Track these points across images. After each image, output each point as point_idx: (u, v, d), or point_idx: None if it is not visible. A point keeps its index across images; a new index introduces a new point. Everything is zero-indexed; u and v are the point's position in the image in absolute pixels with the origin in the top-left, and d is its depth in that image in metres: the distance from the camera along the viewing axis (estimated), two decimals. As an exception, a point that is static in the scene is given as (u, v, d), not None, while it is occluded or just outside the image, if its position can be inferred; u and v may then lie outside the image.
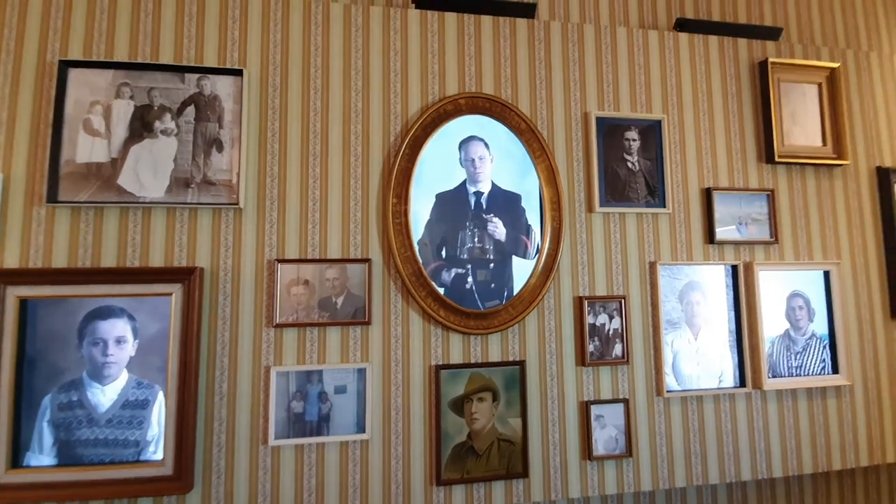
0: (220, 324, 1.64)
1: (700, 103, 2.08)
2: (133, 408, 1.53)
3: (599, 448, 1.81)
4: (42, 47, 1.64)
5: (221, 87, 1.71)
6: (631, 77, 2.04)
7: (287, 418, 1.62)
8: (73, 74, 1.62)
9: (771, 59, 2.11)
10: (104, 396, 1.51)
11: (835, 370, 2.03)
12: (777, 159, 2.06)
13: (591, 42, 2.03)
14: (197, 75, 1.70)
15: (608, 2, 2.24)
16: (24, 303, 1.50)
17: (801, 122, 2.14)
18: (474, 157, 1.86)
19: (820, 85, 2.18)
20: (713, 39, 2.14)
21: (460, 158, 1.85)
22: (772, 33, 2.21)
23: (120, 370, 1.53)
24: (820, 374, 2.03)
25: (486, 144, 1.87)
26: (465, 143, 1.86)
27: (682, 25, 2.15)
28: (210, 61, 1.73)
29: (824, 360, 2.04)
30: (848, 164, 2.15)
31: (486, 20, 1.94)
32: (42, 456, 1.47)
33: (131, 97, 1.66)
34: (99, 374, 1.52)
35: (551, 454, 1.79)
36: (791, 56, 2.19)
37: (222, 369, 1.62)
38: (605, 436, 1.82)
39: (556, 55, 1.99)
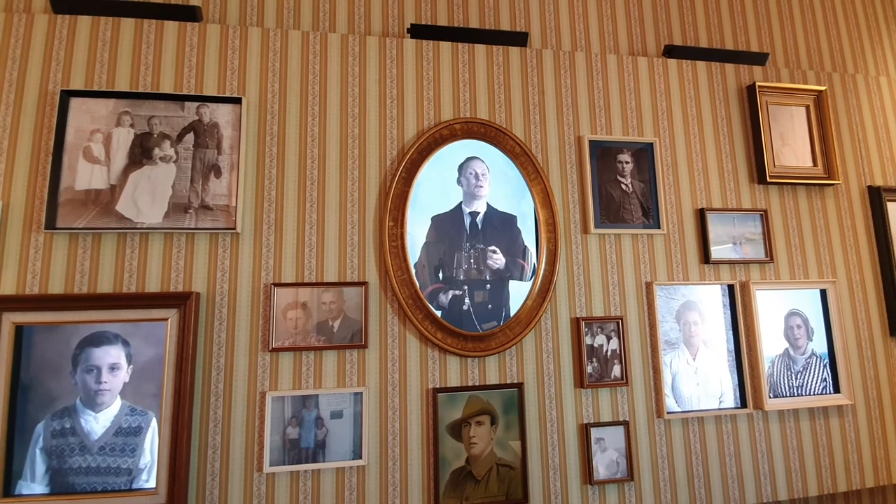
0: (216, 349, 1.63)
1: (690, 126, 2.12)
2: (126, 435, 1.51)
3: (600, 472, 1.78)
4: (44, 77, 1.68)
5: (221, 114, 1.74)
6: (622, 102, 2.08)
7: (282, 445, 1.60)
8: (75, 104, 1.66)
9: (758, 83, 2.16)
10: (97, 424, 1.50)
11: (836, 389, 2.02)
12: (769, 179, 2.09)
13: (583, 68, 2.08)
14: (196, 103, 1.73)
15: (598, 31, 2.30)
16: (19, 329, 1.50)
17: (791, 144, 2.18)
18: (476, 170, 1.89)
19: (807, 107, 2.22)
20: (701, 65, 2.19)
21: (458, 178, 1.87)
22: (758, 58, 2.27)
23: (113, 397, 1.52)
24: (821, 393, 2.01)
25: (487, 165, 1.90)
26: (465, 163, 1.89)
27: (671, 52, 2.21)
28: (210, 90, 1.77)
29: (825, 380, 2.02)
30: (839, 183, 2.17)
31: (480, 48, 1.99)
32: (34, 484, 1.45)
33: (131, 125, 1.69)
34: (92, 402, 1.50)
35: (551, 479, 1.76)
36: (778, 80, 2.25)
37: (217, 395, 1.61)
38: (606, 459, 1.79)
39: (549, 81, 2.03)
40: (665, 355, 1.91)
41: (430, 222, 1.82)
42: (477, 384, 1.77)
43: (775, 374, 1.98)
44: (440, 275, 1.80)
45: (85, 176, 1.63)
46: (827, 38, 2.59)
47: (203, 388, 1.60)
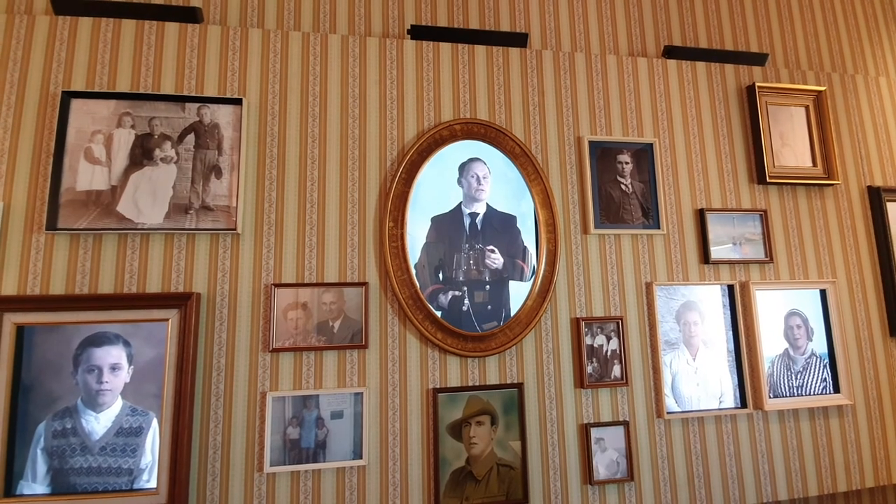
0: (216, 349, 1.63)
1: (690, 127, 2.13)
2: (127, 435, 1.51)
3: (600, 472, 1.78)
4: (45, 78, 1.69)
5: (221, 115, 1.75)
6: (622, 102, 2.09)
7: (283, 445, 1.60)
8: (76, 105, 1.66)
9: (758, 84, 2.17)
10: (98, 424, 1.50)
11: (836, 389, 2.02)
12: (768, 180, 2.09)
13: (583, 69, 2.08)
14: (197, 104, 1.74)
15: (598, 31, 2.31)
16: (20, 329, 1.50)
17: (791, 144, 2.18)
18: (478, 173, 1.89)
19: (807, 107, 2.22)
20: (701, 65, 2.20)
21: (459, 179, 1.87)
22: (758, 59, 2.28)
23: (114, 397, 1.52)
24: (821, 393, 2.01)
25: (488, 168, 1.91)
26: (467, 164, 1.89)
27: (671, 52, 2.21)
28: (210, 91, 1.78)
29: (825, 380, 2.02)
30: (839, 183, 2.18)
31: (480, 49, 2.00)
32: (35, 484, 1.45)
33: (132, 126, 1.69)
34: (93, 402, 1.51)
35: (551, 479, 1.76)
36: (777, 80, 2.25)
37: (218, 395, 1.61)
38: (606, 459, 1.79)
39: (549, 82, 2.04)
40: (665, 355, 1.91)
41: (429, 223, 1.83)
42: (477, 384, 1.77)
43: (775, 374, 1.98)
44: (440, 275, 1.80)
45: (86, 177, 1.63)
46: (826, 39, 2.59)
47: (204, 388, 1.61)
